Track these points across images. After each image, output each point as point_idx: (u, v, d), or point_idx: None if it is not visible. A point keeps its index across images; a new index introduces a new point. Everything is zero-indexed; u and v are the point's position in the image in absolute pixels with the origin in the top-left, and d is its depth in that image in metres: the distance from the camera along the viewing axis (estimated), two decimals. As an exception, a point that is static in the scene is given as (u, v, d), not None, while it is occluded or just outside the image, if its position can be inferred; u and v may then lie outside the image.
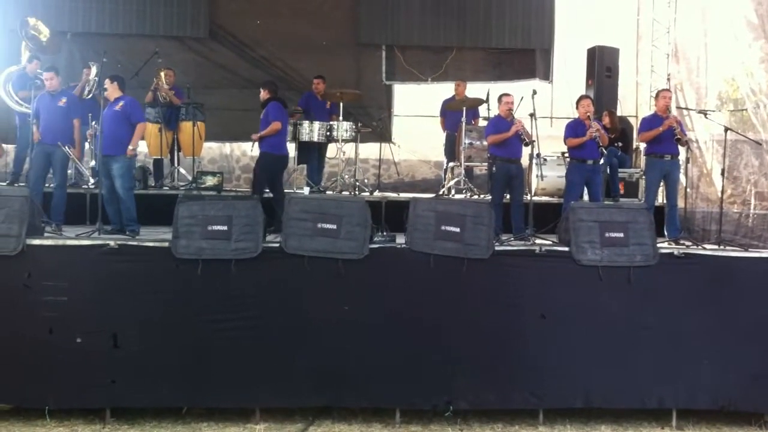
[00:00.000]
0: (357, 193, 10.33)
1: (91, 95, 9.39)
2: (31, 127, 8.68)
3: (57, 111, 8.52)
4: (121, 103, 8.11)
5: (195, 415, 6.79)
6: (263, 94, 9.53)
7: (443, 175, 11.63)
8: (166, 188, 10.48)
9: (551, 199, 10.13)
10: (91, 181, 9.32)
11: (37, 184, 8.38)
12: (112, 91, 8.16)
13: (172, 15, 12.14)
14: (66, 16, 11.82)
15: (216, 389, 6.75)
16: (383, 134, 12.06)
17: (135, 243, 7.08)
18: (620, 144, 11.22)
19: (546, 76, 12.59)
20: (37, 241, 6.85)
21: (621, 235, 7.01)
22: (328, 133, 10.53)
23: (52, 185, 8.69)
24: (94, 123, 8.61)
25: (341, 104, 10.48)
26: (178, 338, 6.76)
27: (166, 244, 6.83)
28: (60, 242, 7.01)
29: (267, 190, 9.15)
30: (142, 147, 10.84)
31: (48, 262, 6.76)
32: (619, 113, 11.88)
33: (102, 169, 8.02)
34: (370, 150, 12.07)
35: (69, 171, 8.86)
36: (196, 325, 6.78)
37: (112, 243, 6.85)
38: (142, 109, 8.54)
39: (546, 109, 11.75)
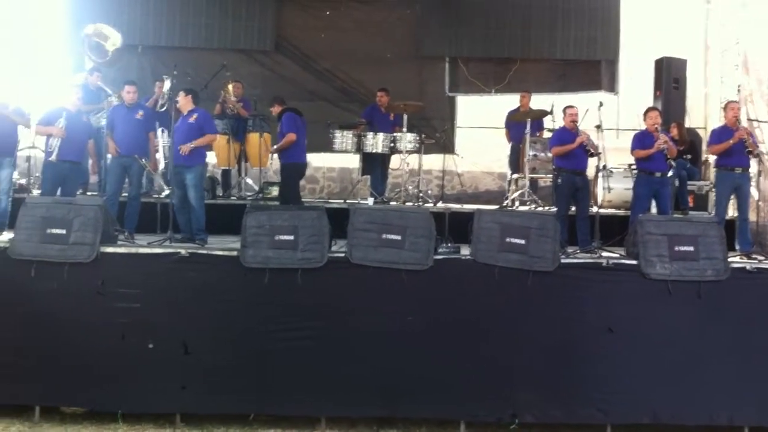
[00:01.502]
0: (421, 204, 10.37)
1: (164, 108, 9.62)
2: (105, 139, 8.94)
3: (134, 124, 8.75)
4: (195, 116, 8.31)
5: (261, 421, 6.88)
6: (275, 109, 9.84)
7: (507, 187, 11.59)
8: (234, 198, 10.68)
9: (618, 211, 10.00)
10: (166, 190, 9.53)
11: (114, 195, 8.62)
12: (185, 103, 8.37)
13: (240, 29, 12.39)
14: (137, 30, 12.13)
15: (282, 397, 6.83)
16: (446, 145, 12.08)
17: (205, 252, 7.23)
18: (689, 156, 11.02)
19: (611, 87, 12.46)
20: (110, 249, 7.06)
21: (691, 248, 6.90)
22: (391, 145, 10.60)
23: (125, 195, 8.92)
24: (165, 134, 8.80)
25: (405, 116, 10.55)
26: (246, 346, 6.87)
27: (235, 253, 6.97)
28: (133, 250, 7.21)
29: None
30: (211, 158, 11.11)
31: (121, 269, 6.95)
32: (687, 125, 11.68)
33: (174, 179, 8.23)
34: (433, 161, 12.11)
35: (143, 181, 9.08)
36: (263, 333, 6.88)
37: (182, 251, 7.02)
38: (213, 120, 8.71)
39: (612, 121, 11.61)
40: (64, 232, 6.90)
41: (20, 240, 6.92)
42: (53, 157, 8.37)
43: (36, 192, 9.74)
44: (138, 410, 6.87)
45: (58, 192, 8.46)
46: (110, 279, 6.91)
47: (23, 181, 10.07)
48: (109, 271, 6.92)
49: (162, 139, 9.50)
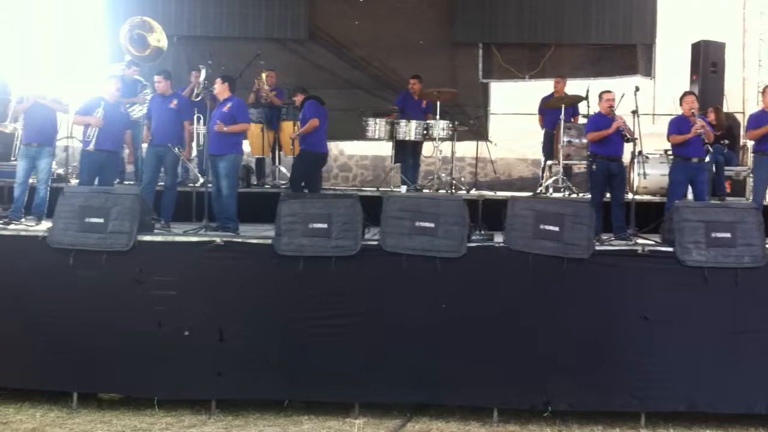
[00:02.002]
0: (454, 191, 10.35)
1: (199, 98, 9.69)
2: (142, 128, 9.04)
3: (168, 113, 8.81)
4: (228, 105, 8.36)
5: (296, 408, 6.95)
6: (297, 98, 9.86)
7: (541, 174, 11.51)
8: (268, 186, 10.73)
9: (653, 197, 9.90)
10: (201, 179, 9.62)
11: (150, 184, 8.71)
12: (222, 90, 8.43)
13: (273, 18, 12.40)
14: (172, 20, 12.19)
15: (316, 383, 6.89)
16: (480, 132, 12.02)
17: (239, 240, 7.30)
18: (726, 141, 10.84)
19: (648, 72, 12.27)
20: (147, 238, 7.16)
21: (728, 235, 6.81)
22: (424, 132, 10.57)
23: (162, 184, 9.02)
24: (201, 122, 8.86)
25: (438, 103, 10.52)
26: (280, 333, 6.94)
27: (269, 241, 7.03)
28: (169, 239, 7.31)
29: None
30: (245, 147, 11.18)
31: (157, 257, 7.05)
32: (724, 109, 11.50)
33: (210, 168, 8.30)
34: (466, 148, 12.06)
35: (178, 170, 9.16)
36: (297, 321, 6.94)
37: (218, 240, 7.10)
38: (248, 110, 8.75)
39: (648, 106, 11.50)
40: (102, 221, 7.01)
41: (59, 229, 7.04)
42: (91, 147, 8.48)
43: (74, 181, 9.89)
44: (174, 397, 6.98)
45: (96, 182, 8.56)
46: (147, 267, 7.00)
47: (61, 171, 10.21)
48: (146, 260, 7.02)
49: (198, 127, 9.58)
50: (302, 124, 9.60)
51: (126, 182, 10.21)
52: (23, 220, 8.28)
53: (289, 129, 10.48)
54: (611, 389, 6.81)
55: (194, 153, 9.71)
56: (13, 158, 9.13)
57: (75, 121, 8.85)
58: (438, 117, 10.49)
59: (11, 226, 7.86)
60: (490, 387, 6.82)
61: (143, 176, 8.93)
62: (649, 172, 9.34)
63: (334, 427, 6.67)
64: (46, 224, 7.73)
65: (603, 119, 8.72)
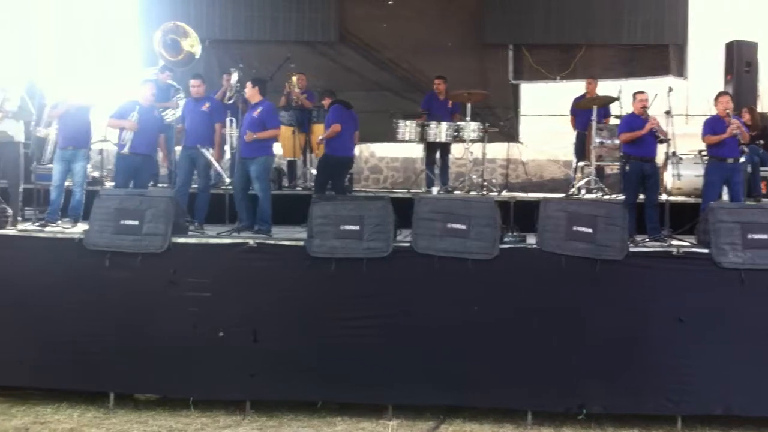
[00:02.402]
0: (485, 193, 10.33)
1: (232, 101, 9.76)
2: (175, 132, 9.14)
3: (201, 116, 8.90)
4: (259, 109, 8.42)
5: (329, 409, 6.97)
6: (325, 102, 9.95)
7: (573, 175, 11.45)
8: (299, 189, 10.79)
9: (688, 198, 9.80)
10: (227, 181, 9.68)
11: (183, 187, 8.80)
12: (252, 94, 8.50)
13: (304, 21, 12.48)
14: (204, 24, 12.28)
15: (349, 385, 6.91)
16: (510, 134, 12.00)
17: (272, 242, 7.35)
18: (762, 142, 10.69)
19: (680, 72, 12.17)
20: (181, 240, 7.22)
21: (765, 236, 6.73)
22: (455, 134, 10.57)
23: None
24: (233, 125, 8.92)
25: (468, 105, 10.50)
26: (313, 334, 6.96)
27: (301, 243, 7.06)
28: (203, 241, 7.37)
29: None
30: (276, 149, 11.25)
31: (192, 259, 7.11)
32: (759, 110, 11.36)
33: (239, 170, 8.36)
34: (497, 150, 12.05)
35: (210, 172, 9.23)
36: (330, 322, 6.96)
37: (251, 242, 7.14)
38: (277, 114, 8.80)
39: (681, 107, 11.40)
40: (136, 223, 7.09)
41: (95, 231, 7.13)
42: (126, 150, 8.56)
43: (109, 184, 10.00)
44: (209, 397, 7.03)
45: (131, 185, 8.65)
46: (181, 269, 7.07)
47: (96, 174, 10.35)
48: (180, 261, 7.08)
49: (231, 130, 9.66)
50: (326, 128, 9.65)
51: (160, 185, 10.31)
52: (60, 222, 8.39)
53: (319, 131, 10.52)
54: (646, 392, 6.75)
55: (227, 155, 9.78)
56: (48, 162, 9.25)
57: (109, 124, 8.96)
58: (468, 119, 10.48)
59: (48, 228, 7.97)
60: (524, 389, 6.80)
61: (176, 179, 9.01)
62: (683, 173, 9.29)
63: (368, 428, 6.68)
64: (82, 226, 7.82)
65: (636, 120, 8.66)
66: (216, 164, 9.11)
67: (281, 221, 8.76)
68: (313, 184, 10.83)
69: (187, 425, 6.68)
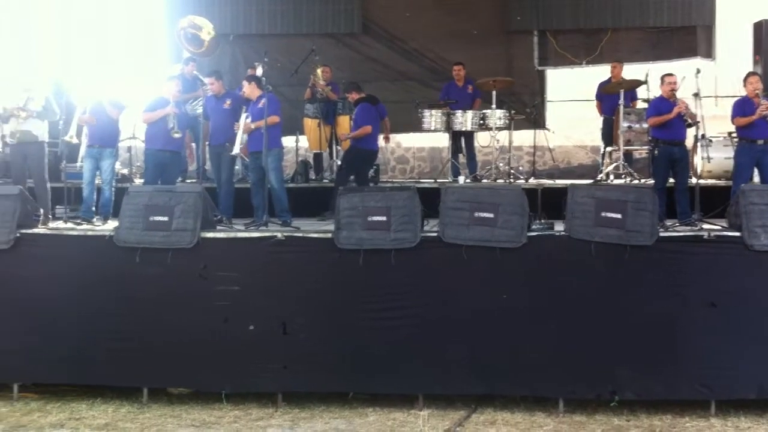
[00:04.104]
0: (512, 180, 10.28)
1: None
2: (201, 127, 9.22)
3: (223, 113, 8.96)
4: (262, 101, 8.42)
5: (361, 400, 6.99)
6: (352, 96, 9.91)
7: (601, 161, 11.36)
8: (326, 181, 10.81)
9: (718, 182, 9.69)
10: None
11: (217, 182, 8.93)
12: (251, 91, 8.60)
13: (327, 13, 12.48)
14: (228, 19, 12.38)
15: (380, 376, 6.92)
16: (537, 121, 11.90)
17: (300, 235, 7.37)
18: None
19: (708, 53, 11.99)
20: (210, 234, 7.27)
21: (797, 218, 6.63)
22: (481, 122, 10.53)
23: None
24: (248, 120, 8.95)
25: (494, 92, 10.45)
26: (343, 326, 6.99)
27: (329, 236, 7.07)
28: (231, 235, 7.42)
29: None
30: (303, 142, 11.30)
31: (221, 253, 7.16)
32: (789, 89, 11.17)
33: (252, 164, 8.42)
34: (523, 137, 11.98)
35: (237, 168, 9.28)
36: (360, 313, 6.98)
37: (279, 235, 7.18)
38: (279, 104, 8.76)
39: (710, 88, 11.22)
40: (166, 219, 7.14)
41: (125, 228, 7.19)
42: (176, 133, 8.58)
43: (138, 181, 10.10)
44: (242, 390, 7.08)
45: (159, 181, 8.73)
46: (211, 263, 7.11)
47: (125, 171, 10.45)
48: (209, 256, 7.13)
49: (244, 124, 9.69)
50: (354, 126, 9.65)
51: (188, 180, 10.39)
52: (93, 219, 8.50)
53: (345, 123, 10.55)
54: (679, 377, 6.70)
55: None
56: (80, 161, 9.35)
57: (146, 119, 8.94)
58: (494, 106, 10.43)
59: (83, 226, 8.06)
60: (555, 377, 6.77)
61: (214, 177, 9.11)
62: (713, 156, 9.16)
63: (399, 418, 6.69)
64: (112, 223, 7.90)
65: (665, 103, 8.57)
66: (244, 158, 9.16)
67: (308, 214, 8.82)
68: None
69: (219, 418, 6.74)
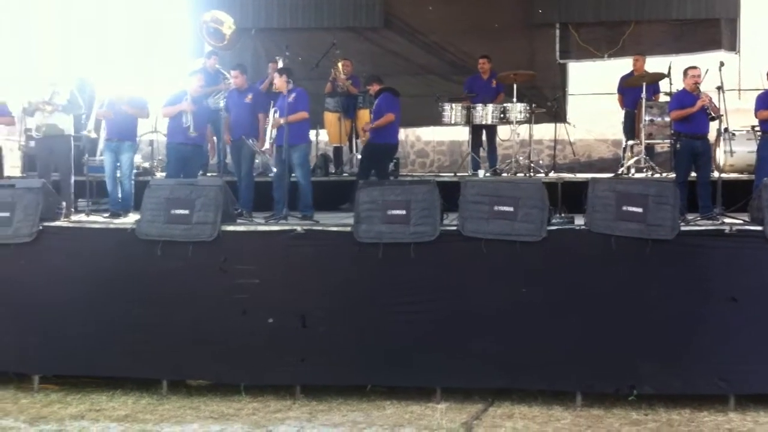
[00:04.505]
0: (532, 174, 10.25)
1: (278, 89, 9.83)
2: (223, 121, 9.27)
3: (244, 107, 9.03)
4: (293, 95, 8.47)
5: (378, 393, 7.00)
6: (373, 88, 9.91)
7: (622, 154, 11.29)
8: (346, 174, 10.83)
9: (741, 175, 9.58)
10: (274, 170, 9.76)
11: (238, 176, 9.02)
12: (281, 84, 8.58)
13: (348, 7, 12.50)
14: (250, 13, 12.43)
15: (397, 368, 6.93)
16: (558, 114, 11.84)
17: (320, 228, 7.39)
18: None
19: (732, 46, 11.86)
20: (230, 228, 7.31)
21: (821, 212, 6.56)
22: (501, 115, 10.50)
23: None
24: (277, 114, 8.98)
25: (515, 86, 10.41)
26: (362, 319, 7.00)
27: (349, 229, 7.09)
28: (251, 228, 7.47)
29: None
30: (323, 135, 11.33)
31: (241, 246, 7.19)
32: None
33: (277, 157, 8.44)
34: (544, 131, 11.92)
35: (256, 161, 9.32)
36: (378, 307, 6.99)
37: (298, 228, 7.22)
38: (308, 99, 8.80)
39: (733, 82, 11.10)
40: (187, 212, 7.18)
41: (146, 221, 7.25)
42: (191, 131, 8.65)
43: (159, 174, 10.17)
44: (260, 383, 7.11)
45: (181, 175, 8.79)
46: (231, 256, 7.15)
47: (147, 165, 10.53)
48: (230, 249, 7.17)
49: (273, 118, 9.72)
50: (375, 115, 9.66)
51: (209, 174, 10.46)
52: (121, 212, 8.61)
53: (365, 117, 10.55)
54: (698, 372, 6.65)
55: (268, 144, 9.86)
56: (99, 155, 9.44)
57: (165, 113, 9.04)
58: (515, 100, 10.39)
59: (105, 219, 8.17)
60: (573, 371, 6.75)
61: (234, 171, 9.17)
62: (735, 150, 9.08)
63: (417, 411, 6.70)
64: (134, 216, 7.97)
65: (688, 96, 8.50)
66: (263, 154, 9.20)
67: (328, 207, 8.85)
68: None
69: (238, 410, 6.78)
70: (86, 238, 7.41)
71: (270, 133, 8.46)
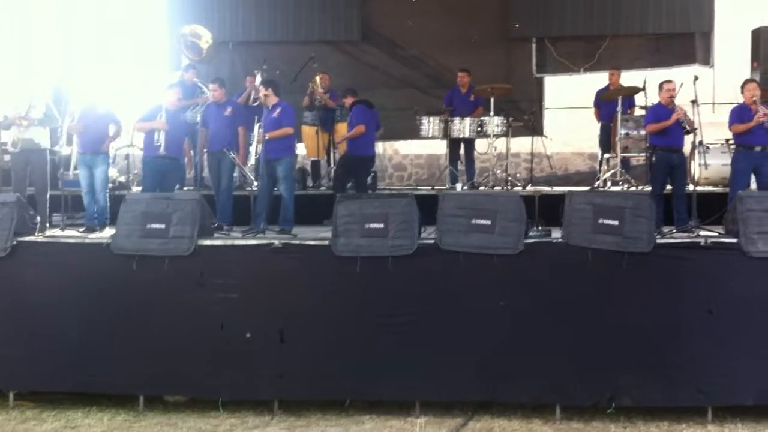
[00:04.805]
0: (510, 187, 10.28)
1: (257, 103, 9.82)
2: (199, 135, 9.23)
3: (223, 120, 8.99)
4: (278, 110, 8.49)
5: (357, 407, 6.97)
6: (348, 100, 9.95)
7: (598, 167, 11.35)
8: (323, 188, 10.80)
9: (715, 188, 9.69)
10: (255, 184, 9.75)
11: (217, 189, 8.97)
12: (269, 97, 8.56)
13: (326, 20, 12.47)
14: (227, 27, 12.37)
15: (377, 383, 6.92)
16: (535, 128, 11.88)
17: (297, 242, 7.37)
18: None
19: (706, 60, 11.98)
20: (207, 242, 7.27)
21: (795, 225, 6.62)
22: (479, 129, 10.54)
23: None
24: (260, 128, 8.94)
25: (492, 99, 10.46)
26: (340, 333, 6.98)
27: (327, 243, 7.07)
28: (229, 242, 7.42)
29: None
30: (300, 149, 11.28)
31: (218, 261, 7.16)
32: (787, 96, 11.16)
33: (264, 171, 8.39)
34: (521, 144, 11.95)
35: (234, 175, 9.28)
36: (357, 321, 6.98)
37: (276, 242, 7.18)
38: (295, 114, 8.80)
39: (708, 95, 11.21)
40: (163, 226, 7.14)
41: (122, 235, 7.20)
42: (162, 151, 8.62)
43: (135, 188, 10.10)
44: (238, 398, 7.07)
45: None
46: (208, 271, 7.11)
47: (122, 179, 10.45)
48: (207, 263, 7.13)
49: (258, 133, 9.70)
50: (349, 128, 9.69)
51: (186, 188, 10.39)
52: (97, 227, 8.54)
53: (343, 130, 10.54)
54: (676, 384, 6.68)
55: (252, 159, 9.82)
56: (73, 168, 9.37)
57: (138, 128, 9.02)
58: (492, 113, 10.43)
59: (83, 234, 8.11)
60: (552, 383, 6.76)
61: (212, 184, 9.12)
62: (710, 162, 9.18)
63: (396, 426, 6.68)
64: (110, 231, 7.90)
65: (663, 110, 8.57)
66: (243, 168, 9.18)
67: (306, 221, 8.80)
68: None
69: (216, 426, 6.73)
70: (61, 252, 7.35)
71: (255, 149, 8.44)
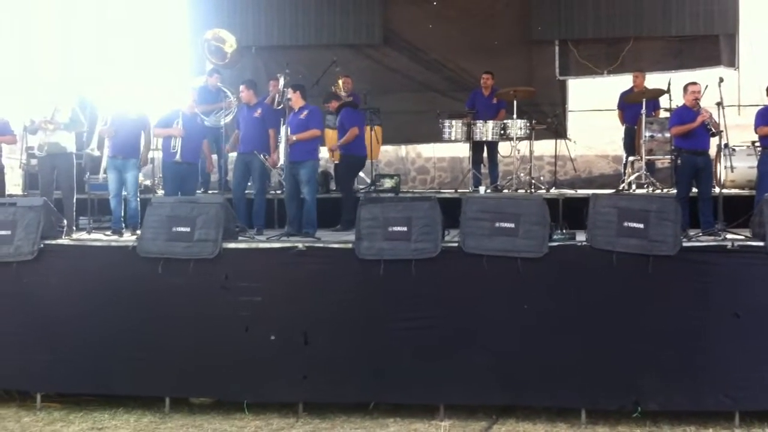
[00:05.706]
0: (533, 190, 10.25)
1: (281, 106, 9.85)
2: (231, 136, 9.30)
3: (253, 122, 9.03)
4: (305, 113, 8.54)
5: (382, 410, 6.98)
6: (332, 105, 10.05)
7: (623, 170, 11.30)
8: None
9: (742, 191, 9.60)
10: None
11: (237, 191, 9.00)
12: (296, 100, 8.59)
13: (348, 24, 12.55)
14: (250, 31, 12.47)
15: (401, 386, 6.91)
16: (558, 130, 11.85)
17: (321, 245, 7.38)
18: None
19: (731, 62, 11.91)
20: (232, 245, 7.31)
21: (822, 227, 6.56)
22: (501, 132, 10.52)
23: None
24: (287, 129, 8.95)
25: (515, 102, 10.45)
26: (364, 336, 6.98)
27: (350, 246, 7.08)
28: (253, 245, 7.45)
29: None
30: (324, 153, 11.33)
31: (243, 264, 7.19)
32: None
33: (288, 175, 8.43)
34: (545, 147, 11.93)
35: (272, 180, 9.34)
36: (381, 324, 6.98)
37: (300, 246, 7.20)
38: (322, 117, 8.86)
39: (733, 97, 11.14)
40: (188, 229, 7.17)
41: (147, 238, 7.25)
42: (178, 158, 8.71)
43: (160, 192, 10.17)
44: (262, 400, 7.09)
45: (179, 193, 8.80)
46: (233, 274, 7.14)
47: (148, 182, 10.53)
48: (231, 266, 7.16)
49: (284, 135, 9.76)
50: (340, 132, 9.71)
51: (210, 191, 10.45)
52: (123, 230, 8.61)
53: (332, 136, 10.57)
54: (703, 388, 6.63)
55: (281, 162, 9.89)
56: (102, 172, 9.44)
57: (155, 134, 9.12)
58: (515, 116, 10.42)
59: (110, 237, 8.18)
60: (577, 387, 6.73)
61: (233, 185, 9.14)
62: (736, 165, 9.06)
63: (421, 429, 6.68)
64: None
65: (688, 112, 8.52)
66: (274, 171, 9.22)
67: (330, 224, 8.83)
68: (361, 186, 10.91)
69: (241, 428, 6.76)
70: (88, 256, 7.40)
71: (284, 149, 8.49)
